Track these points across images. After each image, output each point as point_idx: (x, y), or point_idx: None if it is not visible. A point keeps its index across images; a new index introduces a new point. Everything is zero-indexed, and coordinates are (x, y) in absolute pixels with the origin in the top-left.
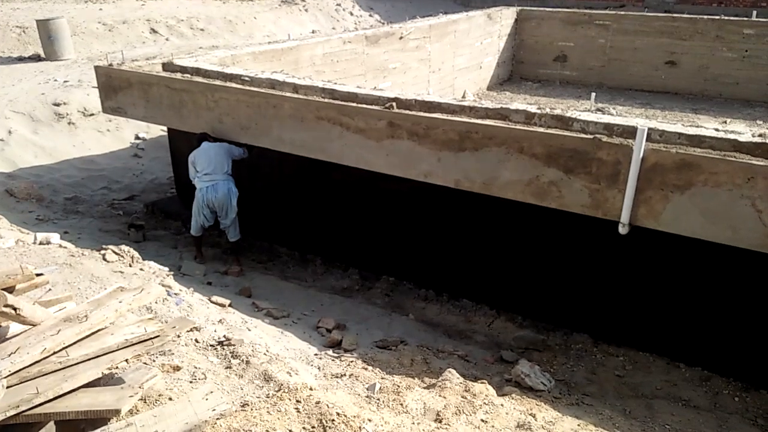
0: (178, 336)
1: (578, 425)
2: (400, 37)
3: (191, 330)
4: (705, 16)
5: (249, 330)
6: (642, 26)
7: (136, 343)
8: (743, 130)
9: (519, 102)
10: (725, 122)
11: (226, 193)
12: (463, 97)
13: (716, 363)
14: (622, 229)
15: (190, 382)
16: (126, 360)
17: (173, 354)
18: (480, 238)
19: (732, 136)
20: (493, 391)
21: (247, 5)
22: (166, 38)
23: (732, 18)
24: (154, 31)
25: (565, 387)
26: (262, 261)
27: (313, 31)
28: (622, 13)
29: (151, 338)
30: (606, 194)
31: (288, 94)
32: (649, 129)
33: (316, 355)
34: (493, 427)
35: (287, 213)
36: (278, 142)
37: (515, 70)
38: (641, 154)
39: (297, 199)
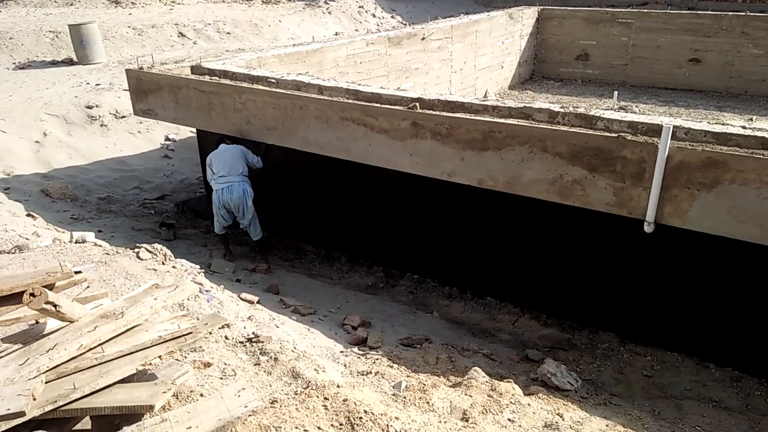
0: (210, 333)
1: (606, 425)
2: (422, 38)
3: (221, 327)
4: (730, 13)
5: (277, 327)
6: (665, 24)
7: (169, 340)
8: None
9: (541, 101)
10: (751, 119)
11: (242, 195)
12: (485, 96)
13: (747, 363)
14: (648, 228)
15: (221, 378)
16: (159, 356)
17: (204, 350)
18: (504, 237)
19: (760, 134)
20: (519, 391)
21: (271, 8)
22: (193, 42)
23: (758, 14)
24: (182, 34)
25: (592, 387)
26: (289, 259)
27: (336, 33)
28: (645, 10)
29: (184, 335)
30: (631, 193)
31: (313, 96)
32: (675, 127)
33: (342, 352)
34: (520, 426)
35: (313, 212)
36: (304, 143)
37: (537, 69)
38: (666, 152)
39: (322, 198)
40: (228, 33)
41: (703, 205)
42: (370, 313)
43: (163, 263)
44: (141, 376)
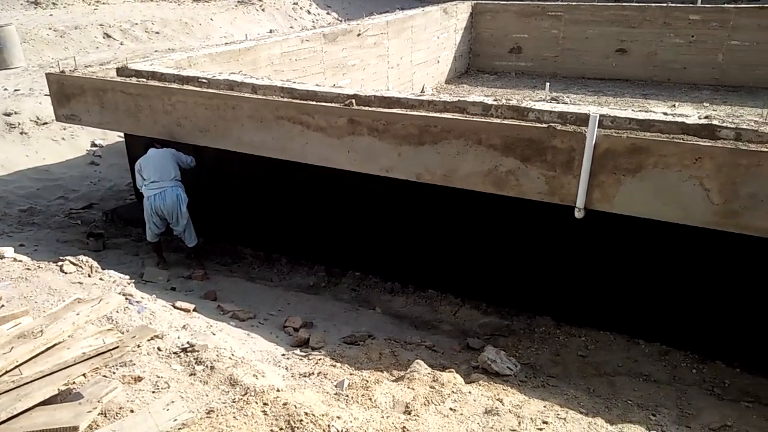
0: (138, 346)
1: (545, 407)
2: (358, 34)
3: (153, 338)
4: (653, 4)
5: (214, 334)
6: (593, 16)
7: (94, 356)
8: (690, 113)
9: (476, 94)
10: (674, 106)
11: (175, 200)
12: (422, 91)
13: (674, 337)
14: (578, 214)
15: (153, 392)
16: (84, 374)
17: (135, 364)
18: (443, 229)
19: (679, 119)
20: (461, 379)
21: (202, 7)
22: (120, 43)
23: (678, 5)
24: (107, 35)
25: (531, 370)
26: (227, 263)
27: (270, 31)
28: (574, 3)
29: (110, 350)
30: (562, 180)
31: (246, 95)
32: (601, 116)
33: (283, 355)
34: (461, 414)
35: (251, 214)
36: (238, 144)
37: (472, 63)
38: (594, 141)
39: (260, 199)
40: (157, 33)
41: (629, 189)
42: (312, 313)
43: (89, 276)
44: (65, 396)
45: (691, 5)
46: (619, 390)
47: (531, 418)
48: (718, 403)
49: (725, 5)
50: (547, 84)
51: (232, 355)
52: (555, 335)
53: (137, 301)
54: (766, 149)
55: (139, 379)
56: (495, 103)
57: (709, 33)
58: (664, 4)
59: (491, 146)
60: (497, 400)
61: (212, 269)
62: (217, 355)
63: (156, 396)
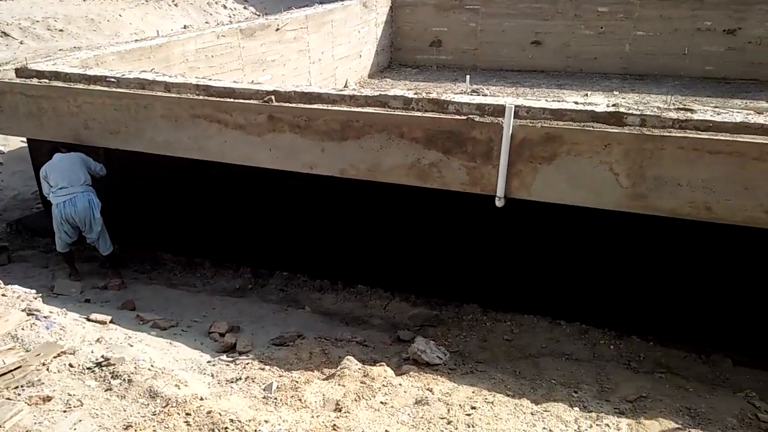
0: (44, 364)
1: (473, 392)
2: (277, 29)
3: (62, 354)
4: None
5: (131, 346)
6: (508, 9)
7: None
8: (600, 102)
9: (399, 88)
10: (586, 95)
11: (87, 206)
12: (345, 86)
13: (592, 316)
14: (499, 202)
15: (64, 411)
16: None
17: (43, 383)
18: (369, 224)
19: (589, 108)
20: (391, 372)
21: (110, 2)
22: (20, 41)
23: None
24: (5, 34)
25: (460, 357)
26: (146, 270)
27: (185, 27)
28: None
29: (11, 371)
30: (482, 171)
31: (159, 94)
32: (516, 106)
33: (209, 362)
34: (392, 407)
35: (170, 218)
36: (153, 145)
37: (394, 57)
38: (510, 131)
39: (179, 202)
40: (61, 30)
41: (546, 177)
42: (238, 317)
43: None
44: None
45: None
46: (543, 370)
47: (460, 405)
48: (634, 376)
49: None
50: (468, 77)
51: (152, 366)
52: (482, 322)
53: (45, 317)
54: (668, 134)
55: (48, 399)
56: (416, 96)
57: (616, 24)
58: None
59: (413, 139)
60: (427, 389)
61: (130, 278)
62: (135, 368)
63: (66, 415)
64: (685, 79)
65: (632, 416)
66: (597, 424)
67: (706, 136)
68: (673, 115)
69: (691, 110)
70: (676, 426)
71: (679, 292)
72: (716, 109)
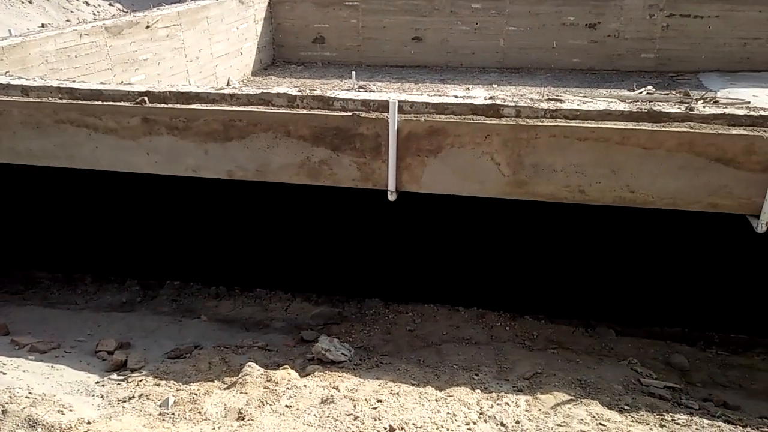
0: None
1: (379, 386)
2: (147, 26)
3: None
4: None
5: (4, 374)
6: (387, 5)
7: None
8: (479, 95)
9: (285, 86)
10: (468, 89)
11: None
12: (228, 84)
13: (488, 301)
14: (391, 197)
15: None
16: None
17: None
18: (265, 225)
19: (469, 101)
20: (295, 375)
21: None
22: None
23: None
24: None
25: (365, 352)
26: (18, 291)
27: (42, 25)
28: None
29: None
30: (372, 166)
31: (16, 99)
32: (400, 101)
33: (97, 383)
34: (297, 409)
35: (42, 233)
36: (13, 154)
37: (277, 54)
38: (396, 126)
39: (52, 215)
40: None
41: (433, 169)
42: (128, 332)
43: None
44: None
45: None
46: (445, 357)
47: (366, 399)
48: (529, 354)
49: None
50: (353, 73)
51: (30, 393)
52: (384, 315)
53: None
54: (540, 123)
55: None
56: (300, 93)
57: (489, 20)
58: None
59: (301, 137)
60: (333, 388)
61: None
62: (10, 397)
63: None
64: (556, 71)
65: (529, 392)
66: (498, 404)
67: (575, 124)
68: (545, 105)
69: (561, 100)
70: (570, 397)
71: (565, 271)
72: (583, 99)
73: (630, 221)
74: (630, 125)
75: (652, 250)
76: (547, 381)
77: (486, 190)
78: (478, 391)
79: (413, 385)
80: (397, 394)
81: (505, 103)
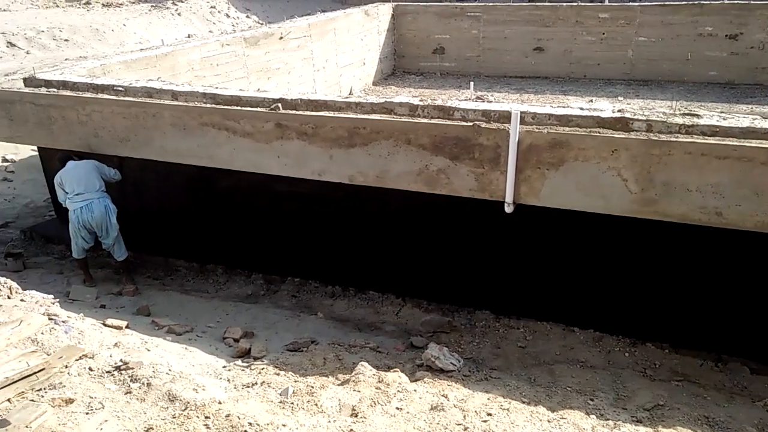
0: (66, 366)
1: (488, 399)
2: (281, 38)
3: (83, 358)
4: (564, 4)
5: (149, 351)
6: (509, 16)
7: (18, 380)
8: (605, 107)
9: (404, 95)
10: (591, 101)
11: (103, 211)
12: (350, 93)
13: (606, 323)
14: (508, 208)
15: (86, 413)
16: (9, 400)
17: (65, 386)
18: (381, 230)
19: (595, 113)
20: (405, 378)
21: (114, 12)
22: (26, 51)
23: (588, 4)
24: (11, 44)
25: (474, 364)
26: (159, 277)
27: (188, 35)
28: (491, 4)
29: (35, 372)
30: (490, 177)
31: (167, 102)
32: (522, 112)
33: (224, 367)
34: (408, 413)
35: (181, 224)
36: (162, 153)
37: (398, 64)
38: (517, 137)
39: (190, 209)
40: (66, 40)
41: (553, 182)
42: (252, 322)
43: (8, 297)
44: None
45: (599, 4)
46: (558, 378)
47: (475, 411)
48: (650, 384)
49: (631, 3)
50: (472, 83)
51: (170, 370)
52: (495, 328)
53: (63, 321)
54: (675, 139)
55: (70, 401)
56: (421, 103)
57: (618, 30)
58: (575, 4)
59: (420, 146)
60: (442, 395)
61: (143, 284)
62: (154, 372)
63: (89, 417)
64: (689, 85)
65: (650, 424)
66: None
67: (714, 141)
68: (680, 120)
69: (698, 115)
70: None
71: (694, 298)
72: (722, 114)
73: None
74: None
75: None
76: (670, 414)
77: (610, 207)
78: (594, 416)
79: (524, 402)
80: (508, 409)
81: (636, 117)
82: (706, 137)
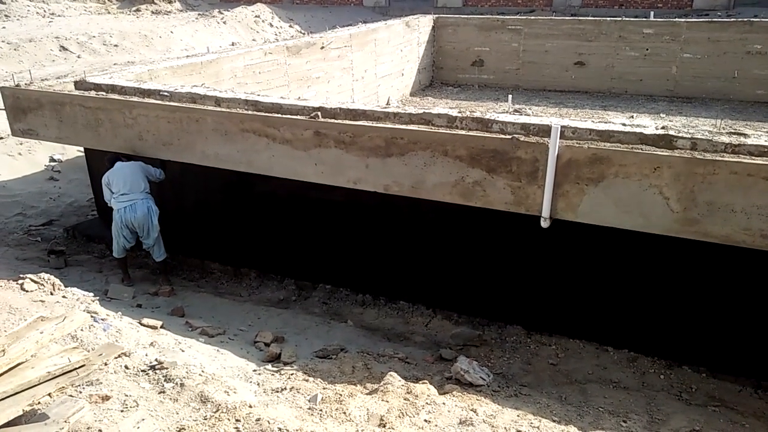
0: (105, 363)
1: (518, 416)
2: (322, 47)
3: (120, 356)
4: (608, 18)
5: (183, 351)
6: (551, 30)
7: (59, 375)
8: (648, 124)
9: (441, 106)
10: (632, 117)
11: (146, 212)
12: (387, 103)
13: (641, 344)
14: (544, 223)
15: (121, 411)
16: (49, 394)
17: (102, 383)
18: (413, 240)
19: (638, 130)
20: (434, 391)
21: (162, 19)
22: (77, 56)
23: (632, 19)
24: (64, 48)
25: (503, 379)
26: (194, 278)
27: (232, 44)
28: (532, 17)
29: (76, 368)
30: (527, 191)
31: (210, 108)
32: (562, 127)
33: (255, 371)
34: (436, 426)
35: (217, 228)
36: (203, 157)
37: (436, 75)
38: (556, 151)
39: (227, 213)
40: (115, 45)
41: (592, 198)
42: (283, 327)
43: (51, 293)
44: (30, 417)
45: (644, 19)
46: (590, 397)
47: (505, 428)
48: (686, 408)
49: (677, 19)
50: (510, 96)
51: (202, 371)
52: (526, 344)
53: (102, 319)
54: (720, 158)
55: (106, 398)
56: (459, 115)
57: (662, 46)
58: (619, 18)
59: (457, 157)
60: (471, 410)
61: (179, 285)
62: (187, 372)
63: (125, 415)
64: (734, 103)
65: None
66: None
67: (761, 162)
68: (725, 139)
69: (744, 134)
70: None
71: (734, 322)
72: None
73: None
74: None
75: None
76: None
77: (650, 226)
78: None
79: (554, 421)
80: (538, 428)
81: (680, 135)
82: (754, 157)
